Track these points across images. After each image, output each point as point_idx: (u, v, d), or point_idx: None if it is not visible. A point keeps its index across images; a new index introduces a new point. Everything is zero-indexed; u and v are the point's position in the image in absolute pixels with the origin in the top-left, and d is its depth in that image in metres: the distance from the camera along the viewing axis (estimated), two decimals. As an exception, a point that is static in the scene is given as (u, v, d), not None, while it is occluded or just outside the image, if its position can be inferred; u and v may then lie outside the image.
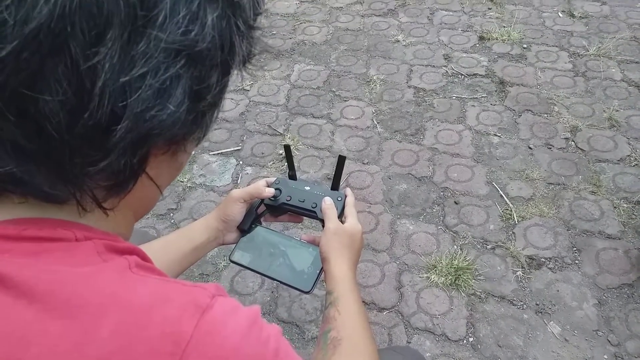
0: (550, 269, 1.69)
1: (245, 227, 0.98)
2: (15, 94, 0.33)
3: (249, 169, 2.12)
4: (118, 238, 0.45)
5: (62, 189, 0.39)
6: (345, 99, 2.46)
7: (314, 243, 0.97)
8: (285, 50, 2.82)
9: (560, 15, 2.92)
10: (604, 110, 2.27)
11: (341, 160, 1.00)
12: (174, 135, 0.41)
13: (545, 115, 2.28)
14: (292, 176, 1.06)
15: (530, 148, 2.13)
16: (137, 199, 0.47)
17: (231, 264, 1.16)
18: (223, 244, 0.98)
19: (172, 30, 0.36)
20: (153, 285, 0.40)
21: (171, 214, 1.95)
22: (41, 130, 0.35)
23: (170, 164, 0.47)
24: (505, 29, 2.80)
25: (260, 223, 1.02)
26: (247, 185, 2.02)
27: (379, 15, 3.04)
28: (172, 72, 0.37)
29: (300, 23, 3.03)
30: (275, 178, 1.04)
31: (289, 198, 1.00)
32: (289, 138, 2.24)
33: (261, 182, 1.01)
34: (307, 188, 1.01)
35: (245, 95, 2.52)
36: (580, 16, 2.88)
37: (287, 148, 1.04)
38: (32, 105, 0.34)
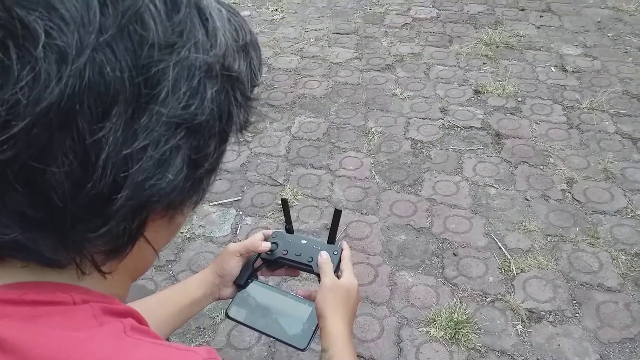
0: (550, 322, 1.67)
1: (241, 282, 0.98)
2: (24, 167, 0.35)
3: (248, 220, 2.14)
4: (115, 300, 0.46)
5: (63, 254, 0.40)
6: (344, 150, 2.51)
7: (310, 298, 0.97)
8: (287, 103, 2.89)
9: (553, 69, 3.01)
10: (599, 162, 2.31)
11: (337, 214, 1.01)
12: (172, 201, 0.42)
13: (541, 167, 2.32)
14: (289, 229, 1.07)
15: (527, 199, 2.15)
16: (134, 261, 0.48)
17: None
18: (219, 299, 0.98)
19: (174, 105, 0.38)
20: (147, 350, 0.41)
21: (170, 265, 1.95)
22: (47, 199, 0.37)
23: (167, 227, 0.49)
24: (500, 82, 2.88)
25: (257, 277, 1.03)
26: (246, 236, 2.04)
27: (377, 70, 3.13)
28: (172, 143, 0.39)
29: (301, 77, 3.12)
30: (272, 231, 1.06)
31: (285, 252, 1.01)
32: (289, 188, 2.26)
33: (258, 236, 1.02)
34: (304, 242, 1.02)
35: (246, 146, 2.56)
36: (572, 71, 2.97)
37: (284, 202, 1.06)
38: (40, 176, 0.36)
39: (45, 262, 0.41)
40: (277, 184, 2.31)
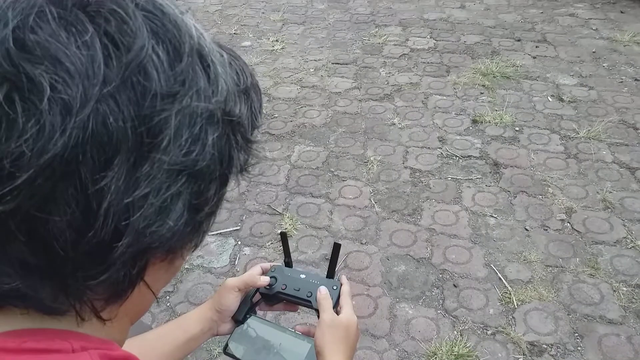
0: (552, 356, 1.65)
1: (239, 318, 0.97)
2: (26, 216, 0.35)
3: (247, 250, 2.13)
4: (113, 345, 0.45)
5: (63, 301, 0.40)
6: (343, 179, 2.52)
7: (309, 334, 0.96)
8: (286, 132, 2.91)
9: (550, 99, 3.05)
10: (598, 192, 2.32)
11: (336, 247, 1.01)
12: (172, 245, 0.43)
13: (540, 196, 2.32)
14: (288, 263, 1.07)
15: (526, 229, 2.15)
16: (132, 305, 0.48)
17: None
18: (217, 335, 0.97)
19: (175, 153, 0.39)
20: None
21: (167, 297, 1.93)
22: (48, 248, 0.37)
23: (167, 270, 0.49)
24: (498, 112, 2.91)
25: (255, 312, 1.02)
26: (245, 266, 2.03)
27: (376, 100, 3.17)
28: (173, 190, 0.40)
29: (301, 107, 3.15)
30: (270, 264, 1.05)
31: (284, 287, 1.00)
32: (288, 217, 2.26)
33: (256, 270, 1.02)
34: (303, 276, 1.02)
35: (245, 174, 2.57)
36: (569, 100, 3.01)
37: (283, 235, 1.06)
38: (42, 226, 0.36)
39: (44, 310, 0.41)
40: (276, 213, 2.31)
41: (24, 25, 0.34)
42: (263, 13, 4.49)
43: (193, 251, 0.50)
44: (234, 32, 4.15)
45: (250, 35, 4.09)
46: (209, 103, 0.41)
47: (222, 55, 0.45)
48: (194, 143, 0.40)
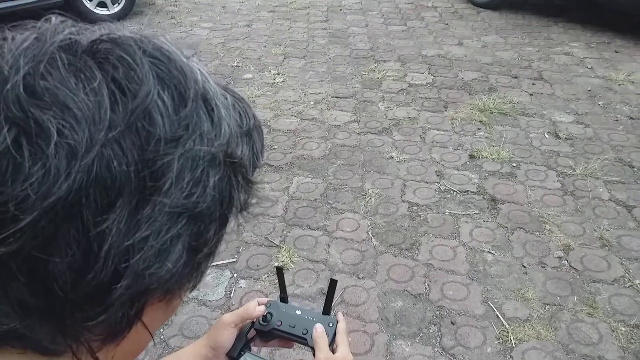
0: (551, 397, 1.63)
1: (234, 354, 0.96)
2: (28, 257, 0.36)
3: (242, 282, 2.11)
4: None
5: (60, 342, 0.40)
6: (341, 211, 2.52)
7: (305, 373, 0.95)
8: (285, 163, 2.93)
9: (547, 136, 3.08)
10: (595, 230, 2.32)
11: (333, 284, 1.01)
12: (170, 287, 0.43)
13: (537, 233, 2.32)
14: (284, 299, 1.06)
15: (524, 266, 2.14)
16: (129, 344, 0.48)
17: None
18: (212, 372, 0.96)
19: (177, 195, 0.39)
20: None
21: (161, 330, 1.91)
22: (47, 289, 0.37)
23: (164, 310, 0.49)
24: (495, 148, 2.94)
25: (250, 349, 1.01)
26: (240, 299, 2.00)
27: (374, 133, 3.20)
28: (173, 232, 0.40)
29: (301, 139, 3.17)
30: (266, 300, 1.04)
31: (279, 323, 0.99)
32: (285, 250, 2.25)
33: (252, 304, 1.01)
34: (298, 312, 1.01)
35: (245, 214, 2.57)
36: (565, 137, 3.04)
37: (279, 270, 1.06)
38: (42, 267, 0.36)
39: (42, 350, 0.40)
40: (273, 245, 2.30)
41: (34, 72, 0.36)
42: (265, 47, 4.57)
43: (191, 291, 0.50)
44: (236, 64, 4.22)
45: (252, 68, 4.15)
46: (212, 146, 0.41)
47: (226, 98, 0.46)
48: (195, 185, 0.40)
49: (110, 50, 0.39)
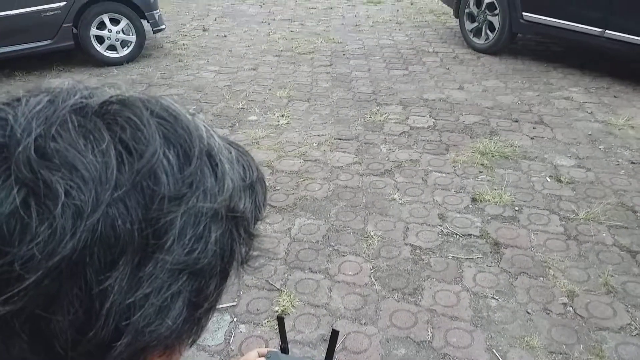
0: None
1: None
2: (31, 316, 0.36)
3: (242, 327, 2.08)
4: None
5: None
6: (343, 254, 2.51)
7: None
8: (288, 204, 2.94)
9: (548, 180, 3.09)
10: (599, 276, 2.30)
11: (334, 335, 0.99)
12: (170, 343, 0.43)
13: (541, 278, 2.30)
14: (284, 349, 1.05)
15: (528, 313, 2.11)
16: None
17: None
18: None
19: (178, 252, 0.40)
20: None
21: (159, 374, 1.87)
22: (48, 346, 0.37)
23: None
24: (497, 191, 2.95)
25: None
26: (239, 345, 1.97)
27: (377, 175, 3.22)
28: (173, 289, 0.40)
29: (303, 180, 3.19)
30: (267, 350, 1.03)
31: (280, 374, 0.98)
32: (286, 294, 2.23)
33: (252, 354, 1.00)
34: (300, 363, 1.00)
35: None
36: (567, 181, 3.05)
37: (280, 320, 1.05)
38: (44, 325, 0.37)
39: None
40: (275, 288, 2.28)
41: (46, 134, 0.37)
42: (270, 90, 4.66)
43: (191, 346, 0.50)
44: (241, 106, 4.29)
45: (257, 110, 4.22)
46: (215, 202, 0.42)
47: (231, 152, 0.47)
48: (197, 242, 0.41)
49: (119, 111, 0.40)
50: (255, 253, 0.51)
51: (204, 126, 0.45)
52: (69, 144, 0.37)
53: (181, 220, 0.40)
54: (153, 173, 0.39)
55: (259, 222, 0.52)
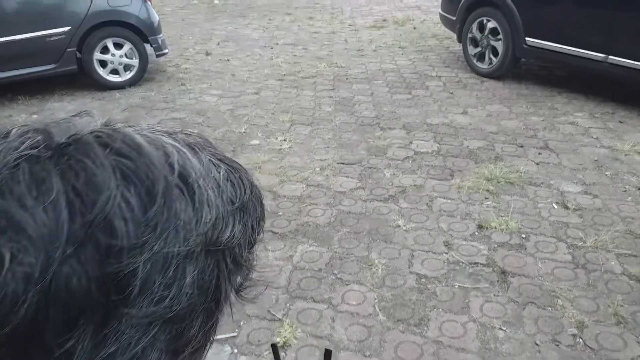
0: None
1: None
2: None
3: (243, 359, 2.02)
4: None
5: None
6: (347, 283, 2.45)
7: None
8: (290, 231, 2.90)
9: (555, 206, 3.05)
10: (609, 305, 2.24)
11: (327, 355, 0.94)
12: None
13: (550, 308, 2.24)
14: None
15: (537, 344, 2.05)
16: None
17: None
18: None
19: (145, 304, 0.36)
20: None
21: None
22: None
23: None
24: (503, 218, 2.90)
25: None
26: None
27: (380, 201, 3.18)
28: (144, 342, 0.37)
29: (306, 205, 3.16)
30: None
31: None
32: (288, 324, 2.18)
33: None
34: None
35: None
36: (574, 208, 3.00)
37: (274, 347, 1.00)
38: None
39: None
40: (276, 319, 2.23)
41: None
42: (272, 114, 4.66)
43: None
44: (243, 130, 4.29)
45: (259, 134, 4.21)
46: (189, 239, 0.38)
47: (219, 171, 0.43)
48: (167, 288, 0.37)
49: (73, 155, 0.37)
50: (250, 282, 0.47)
51: (178, 150, 0.41)
52: (18, 199, 0.34)
53: (144, 268, 0.36)
54: (108, 223, 0.35)
55: (256, 246, 0.47)
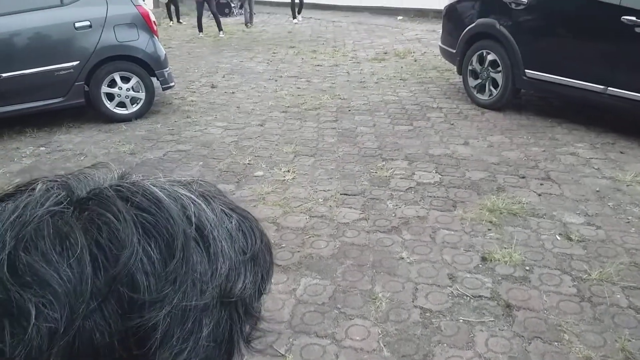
0: None
1: None
2: None
3: (247, 396, 2.00)
4: None
5: None
6: (350, 317, 2.44)
7: None
8: (293, 263, 2.89)
9: (558, 238, 3.04)
10: (616, 340, 2.21)
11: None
12: None
13: (556, 343, 2.22)
14: None
15: (544, 381, 2.02)
16: None
17: None
18: None
19: (165, 357, 0.37)
20: None
21: None
22: None
23: None
24: (507, 250, 2.90)
25: None
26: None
27: (384, 232, 3.18)
28: None
29: (309, 237, 3.16)
30: None
31: None
32: None
33: None
34: None
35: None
36: (577, 240, 3.00)
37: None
38: None
39: None
40: (279, 354, 2.21)
41: (19, 246, 0.36)
42: (276, 145, 4.71)
43: None
44: (248, 162, 4.33)
45: (263, 166, 4.25)
46: (205, 292, 0.39)
47: (231, 221, 0.44)
48: (185, 341, 0.38)
49: (96, 210, 0.38)
50: (259, 332, 0.48)
51: (194, 202, 0.42)
52: (42, 254, 0.35)
53: (164, 322, 0.37)
54: (131, 277, 0.36)
55: (265, 295, 0.48)
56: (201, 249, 0.40)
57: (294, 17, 13.96)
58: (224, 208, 0.45)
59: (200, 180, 0.48)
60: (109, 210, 0.38)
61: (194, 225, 0.40)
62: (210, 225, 0.42)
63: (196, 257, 0.40)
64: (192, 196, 0.43)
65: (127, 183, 0.42)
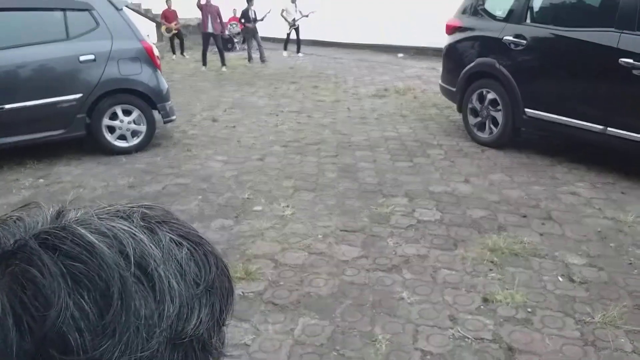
0: None
1: None
2: None
3: None
4: None
5: None
6: None
7: None
8: (291, 302, 2.84)
9: (560, 279, 3.00)
10: (623, 388, 2.15)
11: None
12: None
13: (561, 390, 2.15)
14: None
15: None
16: None
17: None
18: None
19: None
20: None
21: None
22: None
23: None
24: (509, 291, 2.85)
25: None
26: None
27: (384, 271, 3.14)
28: None
29: (308, 275, 3.11)
30: None
31: None
32: (288, 404, 2.09)
33: None
34: None
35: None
36: (580, 281, 2.95)
37: None
38: None
39: None
40: (276, 398, 2.14)
41: None
42: (276, 179, 4.70)
43: None
44: (247, 196, 4.31)
45: (263, 200, 4.22)
46: (152, 338, 0.36)
47: (181, 250, 0.41)
48: None
49: (19, 265, 0.36)
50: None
51: (133, 236, 0.39)
52: None
53: None
54: (62, 337, 0.34)
55: (227, 325, 0.44)
56: (145, 289, 0.37)
57: (285, 49, 14.42)
58: (172, 236, 0.42)
59: (146, 205, 0.44)
60: (34, 265, 0.35)
61: (133, 264, 0.37)
62: (155, 261, 0.39)
63: (139, 301, 0.37)
64: (133, 230, 0.40)
65: (55, 229, 0.38)
